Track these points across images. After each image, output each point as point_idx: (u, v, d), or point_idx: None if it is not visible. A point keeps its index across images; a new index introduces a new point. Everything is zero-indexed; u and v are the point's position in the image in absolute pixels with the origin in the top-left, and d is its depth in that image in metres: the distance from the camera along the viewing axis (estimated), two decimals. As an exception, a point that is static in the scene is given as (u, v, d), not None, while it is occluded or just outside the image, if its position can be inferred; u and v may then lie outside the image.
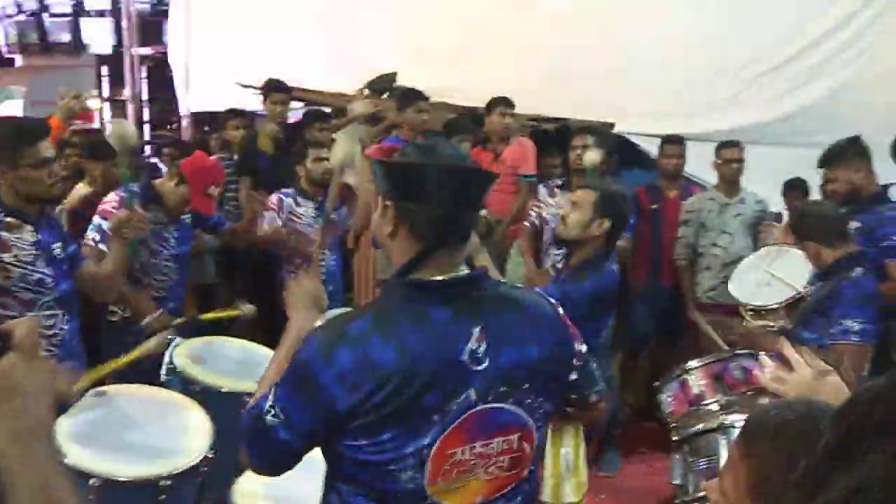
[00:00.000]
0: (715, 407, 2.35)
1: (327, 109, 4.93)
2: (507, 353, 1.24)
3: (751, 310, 3.43)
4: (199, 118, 6.81)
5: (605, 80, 4.68)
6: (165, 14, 7.08)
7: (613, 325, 4.11)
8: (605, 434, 3.76)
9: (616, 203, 2.47)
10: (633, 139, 4.68)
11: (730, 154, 3.94)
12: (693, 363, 2.51)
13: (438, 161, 1.24)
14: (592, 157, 3.67)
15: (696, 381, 2.48)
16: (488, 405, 1.23)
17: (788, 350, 1.34)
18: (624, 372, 4.19)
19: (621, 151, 4.67)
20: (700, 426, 1.84)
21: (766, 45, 4.34)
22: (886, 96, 4.14)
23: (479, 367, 1.22)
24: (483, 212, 4.25)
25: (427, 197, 1.22)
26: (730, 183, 3.96)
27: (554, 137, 4.64)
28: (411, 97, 4.19)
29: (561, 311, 1.39)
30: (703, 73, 4.49)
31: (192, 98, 6.50)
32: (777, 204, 4.28)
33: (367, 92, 5.24)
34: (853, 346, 2.25)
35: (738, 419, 1.80)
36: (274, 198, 3.46)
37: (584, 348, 1.41)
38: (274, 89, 4.02)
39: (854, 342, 2.25)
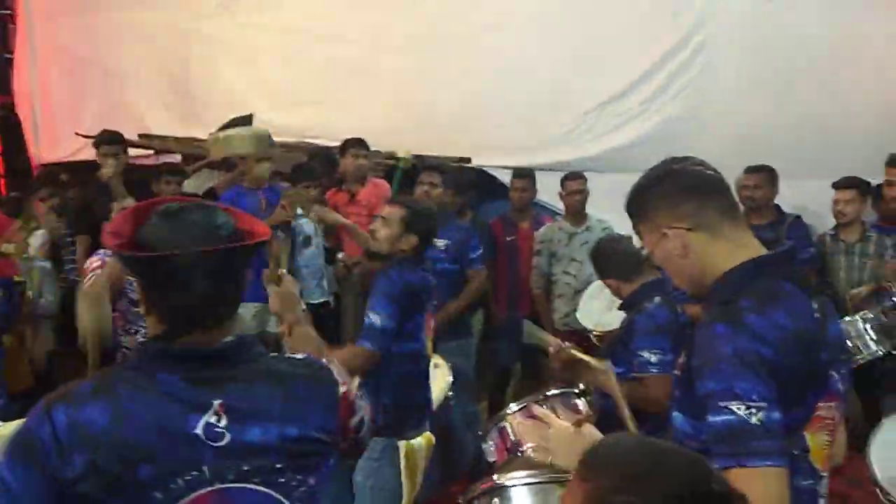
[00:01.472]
0: (531, 452, 2.33)
1: (177, 158, 4.76)
2: (255, 430, 1.16)
3: (597, 335, 3.52)
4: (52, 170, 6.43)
5: (460, 116, 4.75)
6: (11, 63, 6.68)
7: (477, 359, 4.17)
8: (472, 471, 3.73)
9: (424, 220, 2.52)
10: (493, 172, 4.77)
11: (573, 185, 4.05)
12: (512, 407, 2.50)
13: (175, 251, 1.14)
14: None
15: (513, 425, 2.48)
16: (228, 485, 1.14)
17: (537, 409, 1.35)
18: (491, 407, 4.19)
19: (485, 184, 4.75)
20: (477, 489, 1.82)
21: (602, 81, 4.53)
22: (717, 124, 4.41)
23: (218, 443, 1.13)
24: (340, 255, 4.24)
25: (170, 286, 1.16)
26: (576, 213, 4.06)
27: (412, 175, 4.65)
28: None
29: (341, 389, 1.30)
30: (548, 107, 4.62)
31: (43, 149, 6.14)
32: (628, 229, 4.46)
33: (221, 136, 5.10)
34: (654, 377, 2.25)
35: (511, 477, 1.79)
36: (96, 262, 3.13)
37: (361, 417, 1.34)
38: (105, 141, 3.81)
39: (653, 373, 2.26)
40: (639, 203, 1.42)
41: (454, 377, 3.15)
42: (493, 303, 4.29)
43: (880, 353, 3.16)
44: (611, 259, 2.52)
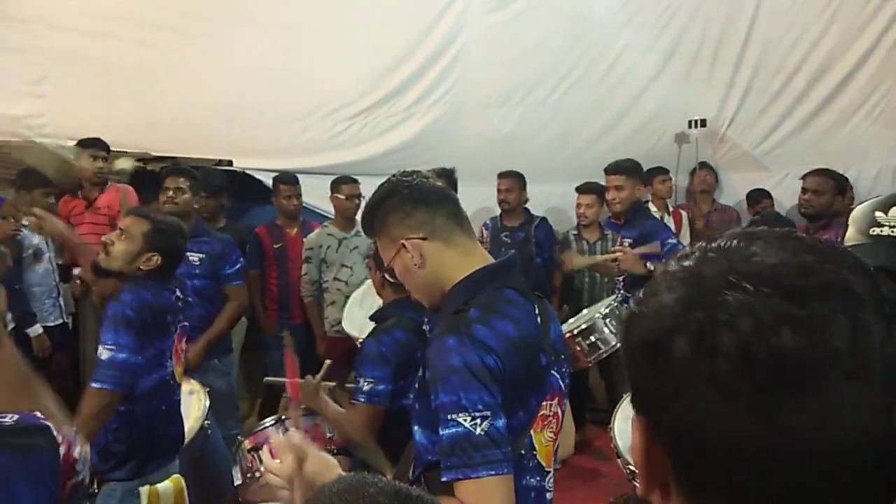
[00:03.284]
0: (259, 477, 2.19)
1: None
2: None
3: (362, 343, 3.44)
4: None
5: (218, 116, 4.35)
6: None
7: (244, 373, 3.89)
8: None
9: (170, 237, 2.21)
10: (258, 175, 4.48)
11: (350, 190, 3.86)
12: (255, 427, 2.35)
13: None
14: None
15: (244, 451, 2.33)
16: None
17: (276, 438, 1.25)
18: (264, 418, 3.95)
19: (251, 188, 4.44)
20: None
21: (368, 86, 4.42)
22: (472, 130, 4.59)
23: None
24: (76, 270, 3.69)
25: None
26: (346, 218, 3.91)
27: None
28: None
29: (62, 451, 1.06)
30: (314, 110, 4.43)
31: None
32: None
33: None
34: (359, 406, 2.07)
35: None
36: None
37: (82, 479, 1.09)
38: None
39: (361, 402, 2.05)
40: (373, 218, 1.41)
41: (212, 401, 2.87)
42: (261, 313, 4.04)
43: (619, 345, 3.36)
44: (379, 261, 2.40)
